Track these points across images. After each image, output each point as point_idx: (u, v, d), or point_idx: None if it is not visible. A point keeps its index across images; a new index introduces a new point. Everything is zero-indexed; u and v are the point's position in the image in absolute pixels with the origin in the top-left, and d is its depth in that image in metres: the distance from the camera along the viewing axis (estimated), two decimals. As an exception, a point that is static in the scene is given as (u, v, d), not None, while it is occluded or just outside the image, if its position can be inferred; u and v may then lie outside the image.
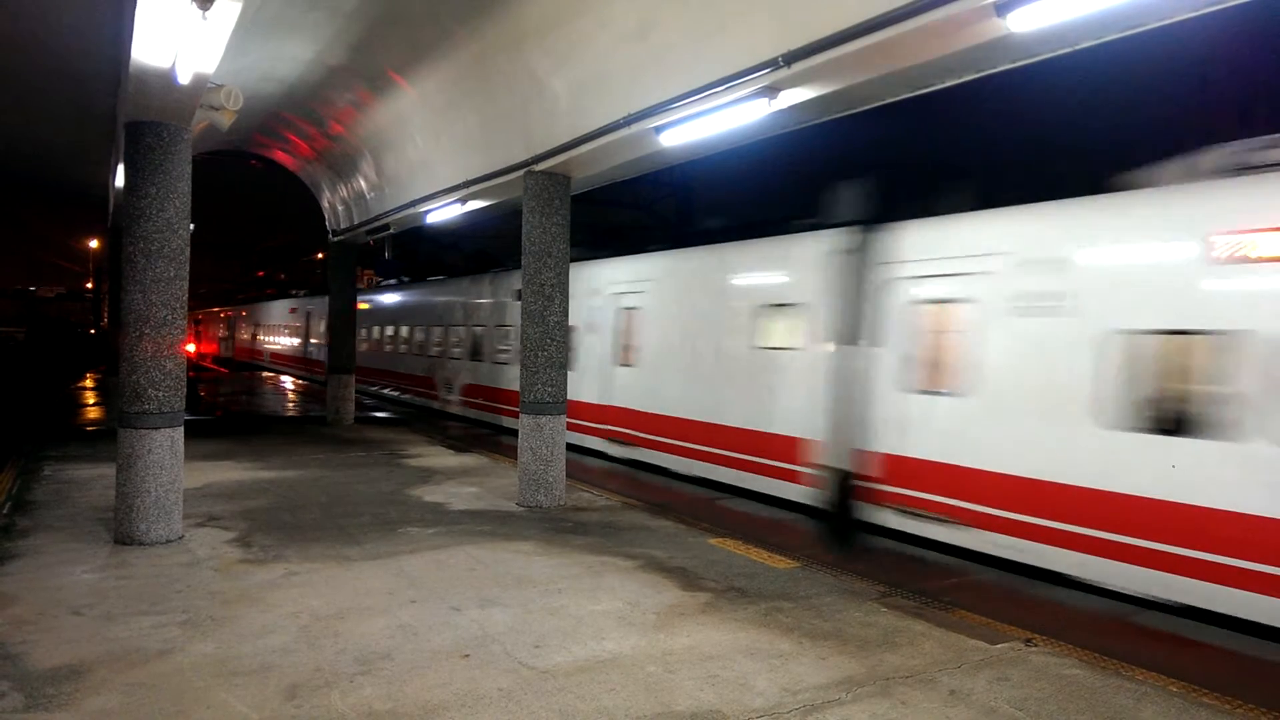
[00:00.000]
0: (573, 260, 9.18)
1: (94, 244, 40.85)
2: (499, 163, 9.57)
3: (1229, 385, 5.87)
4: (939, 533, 7.76)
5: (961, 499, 7.54)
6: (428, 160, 11.67)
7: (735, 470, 10.23)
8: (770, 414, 9.73)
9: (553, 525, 7.93)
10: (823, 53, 5.48)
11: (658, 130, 7.18)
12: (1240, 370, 5.81)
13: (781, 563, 6.74)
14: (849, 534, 8.33)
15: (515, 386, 12.57)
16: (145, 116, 6.93)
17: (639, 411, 11.81)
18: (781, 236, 9.96)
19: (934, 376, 7.90)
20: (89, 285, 54.97)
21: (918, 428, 7.95)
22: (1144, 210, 6.64)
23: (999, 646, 4.99)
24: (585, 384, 12.86)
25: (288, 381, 29.73)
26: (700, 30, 6.47)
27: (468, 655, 4.68)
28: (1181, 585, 6.01)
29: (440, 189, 11.31)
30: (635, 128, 7.33)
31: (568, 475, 9.16)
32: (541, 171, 8.85)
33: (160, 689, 4.17)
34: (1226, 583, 5.75)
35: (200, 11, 4.86)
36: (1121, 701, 4.26)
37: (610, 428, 12.45)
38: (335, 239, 16.97)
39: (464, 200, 10.90)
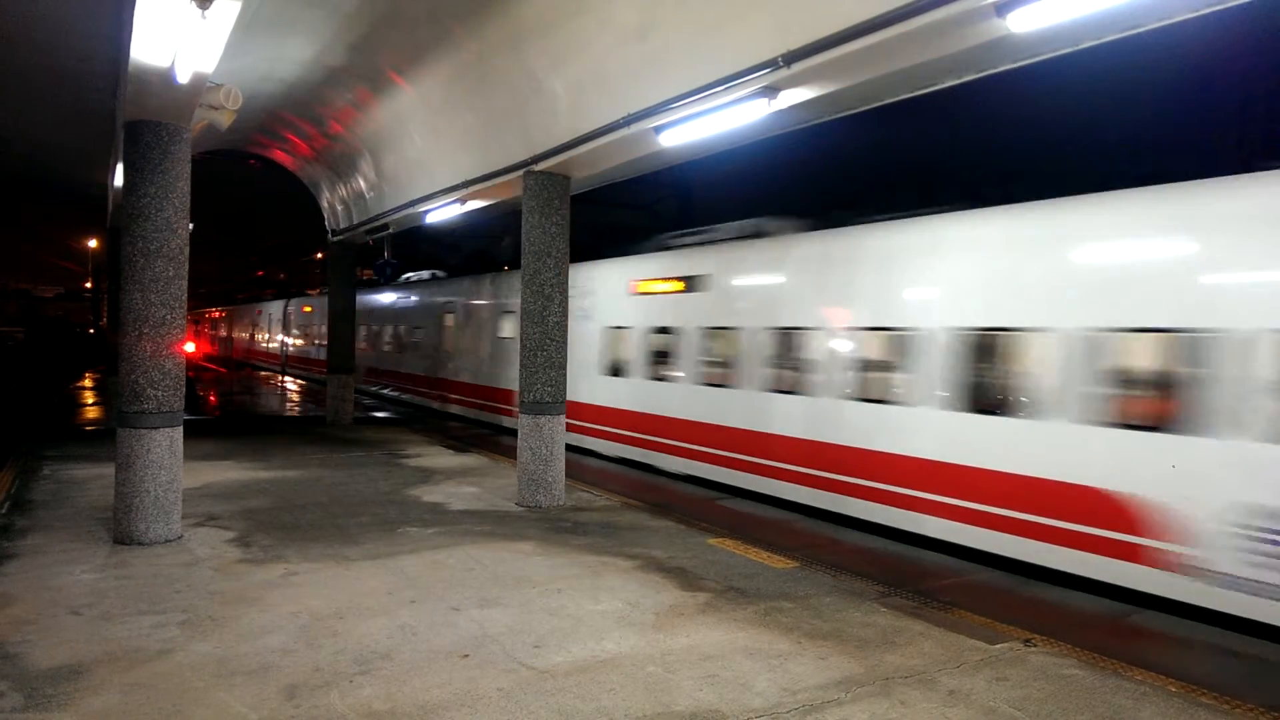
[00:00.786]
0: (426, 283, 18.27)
1: (93, 244, 40.78)
2: (498, 163, 9.56)
3: (630, 352, 12.59)
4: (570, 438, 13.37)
5: (578, 419, 13.53)
6: (427, 160, 11.67)
7: (506, 416, 16.38)
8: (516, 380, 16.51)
9: (552, 525, 7.93)
10: (822, 53, 5.48)
11: (657, 130, 7.18)
12: (632, 343, 12.51)
13: (780, 563, 6.74)
14: None
15: (382, 365, 23.94)
16: (144, 116, 6.92)
17: (456, 382, 18.88)
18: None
19: None
20: (88, 285, 54.92)
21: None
22: (613, 268, 13.33)
23: (998, 646, 4.99)
24: (424, 365, 20.86)
25: (289, 382, 29.71)
26: (700, 30, 6.47)
27: (467, 655, 4.68)
28: (627, 451, 12.64)
29: (439, 189, 11.31)
30: (635, 128, 7.33)
31: (567, 475, 9.17)
32: (541, 171, 8.85)
33: (159, 689, 4.17)
34: (658, 448, 12.04)
35: (199, 11, 4.86)
36: (1120, 701, 4.27)
37: (440, 393, 19.79)
38: (334, 239, 16.96)
39: (463, 200, 10.89)
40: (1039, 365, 7.21)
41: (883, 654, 4.84)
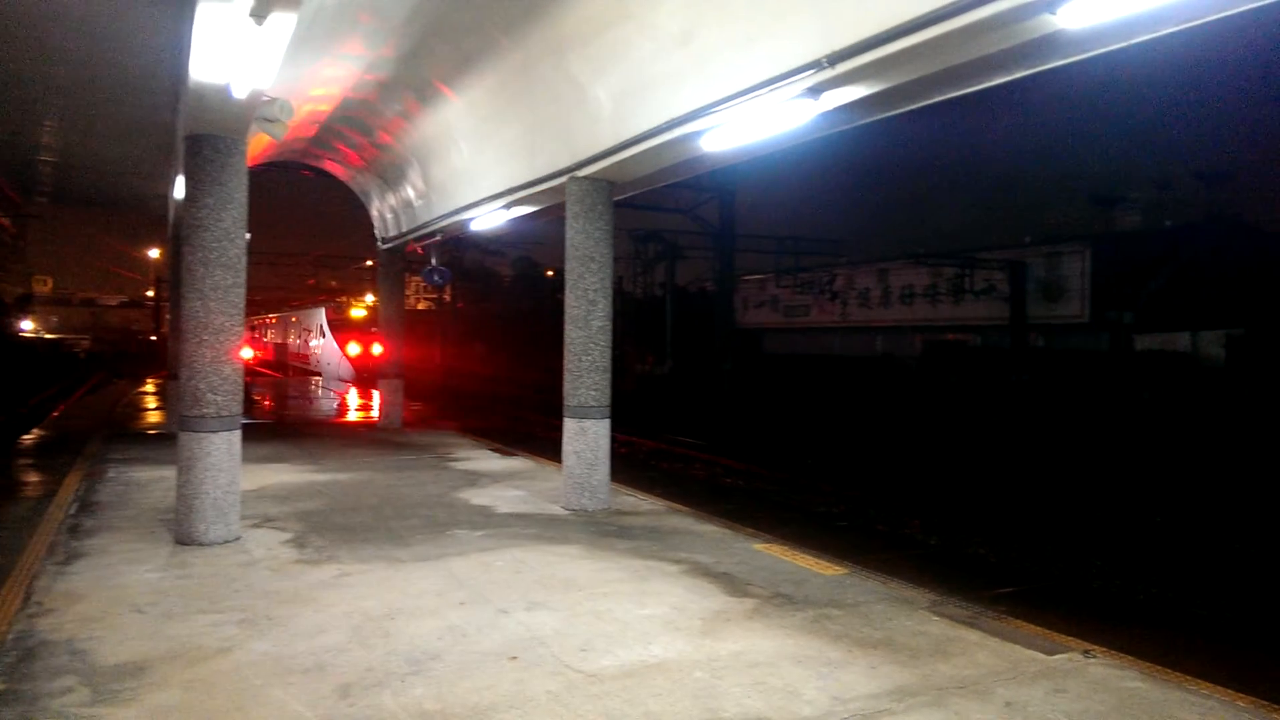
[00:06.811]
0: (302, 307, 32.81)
1: (154, 253, 42.28)
2: (542, 169, 9.65)
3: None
4: None
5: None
6: (473, 168, 11.82)
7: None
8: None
9: (598, 529, 7.95)
10: (867, 52, 5.42)
11: (700, 134, 7.17)
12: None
13: (829, 569, 6.66)
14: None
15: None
16: (203, 130, 7.14)
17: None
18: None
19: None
20: (149, 293, 56.83)
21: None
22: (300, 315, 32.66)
23: (1056, 657, 4.86)
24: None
25: (333, 386, 30.36)
26: (743, 33, 6.45)
27: (515, 657, 4.72)
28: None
29: (485, 196, 11.44)
30: (677, 132, 7.33)
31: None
32: (584, 177, 8.90)
33: (219, 686, 4.29)
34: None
35: (256, 23, 5.00)
36: (1185, 716, 4.12)
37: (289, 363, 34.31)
38: (384, 247, 17.28)
39: (508, 206, 11.01)
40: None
41: (936, 663, 4.75)
